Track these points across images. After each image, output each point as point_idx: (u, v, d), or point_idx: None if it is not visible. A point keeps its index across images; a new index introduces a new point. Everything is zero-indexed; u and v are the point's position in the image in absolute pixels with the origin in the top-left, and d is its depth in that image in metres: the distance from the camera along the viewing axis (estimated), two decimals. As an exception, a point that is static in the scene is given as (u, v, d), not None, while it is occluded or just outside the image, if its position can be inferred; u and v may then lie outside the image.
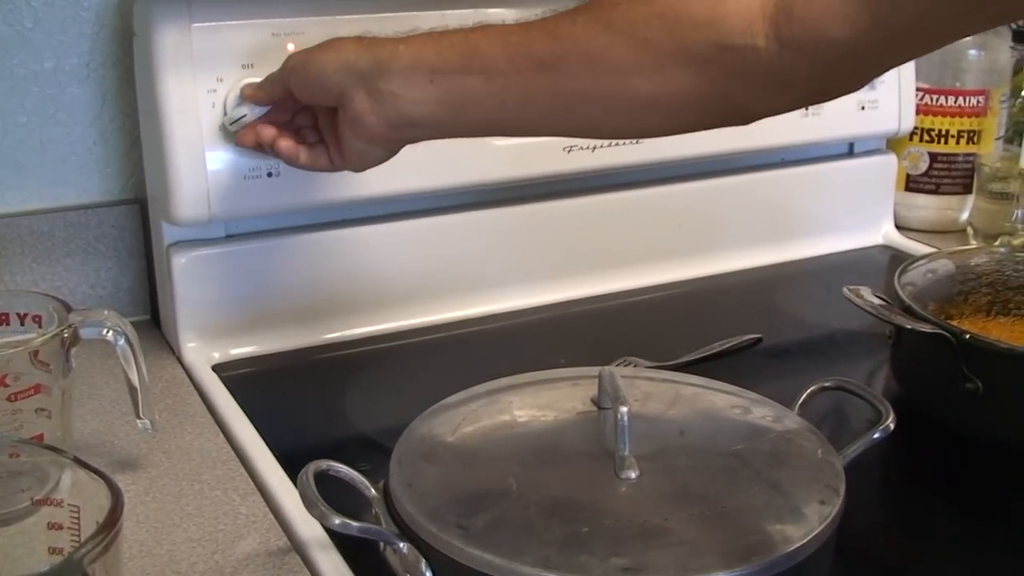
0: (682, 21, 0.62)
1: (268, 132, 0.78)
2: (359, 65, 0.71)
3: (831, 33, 0.58)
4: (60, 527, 0.51)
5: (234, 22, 0.83)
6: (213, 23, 0.82)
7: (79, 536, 0.50)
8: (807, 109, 0.95)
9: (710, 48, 0.62)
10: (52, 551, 0.52)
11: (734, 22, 0.61)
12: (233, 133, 0.82)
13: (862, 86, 0.65)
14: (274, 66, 0.82)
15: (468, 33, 0.70)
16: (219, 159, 0.83)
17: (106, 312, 0.69)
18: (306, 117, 0.79)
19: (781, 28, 0.60)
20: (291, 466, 0.69)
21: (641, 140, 0.93)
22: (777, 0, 0.60)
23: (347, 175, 0.81)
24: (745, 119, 0.66)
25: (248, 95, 0.80)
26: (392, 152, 0.76)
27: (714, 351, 0.88)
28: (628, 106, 0.65)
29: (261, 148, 0.79)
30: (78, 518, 0.51)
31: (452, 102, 0.69)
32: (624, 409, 0.59)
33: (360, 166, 0.76)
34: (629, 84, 0.64)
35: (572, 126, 0.70)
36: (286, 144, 0.77)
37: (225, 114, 0.82)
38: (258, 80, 0.81)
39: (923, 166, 1.20)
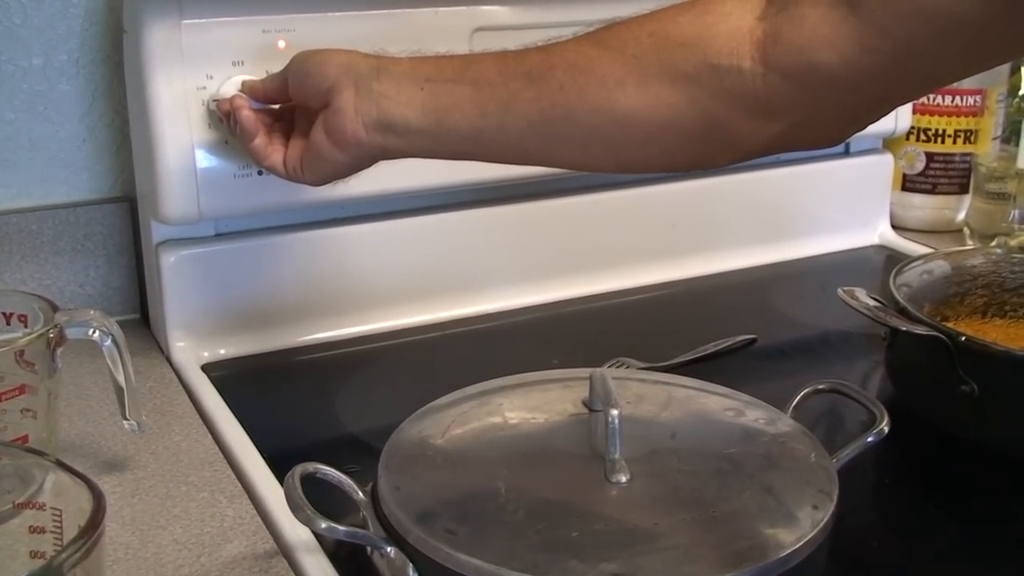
0: (672, 40, 0.62)
1: (240, 100, 0.77)
2: (360, 67, 0.71)
3: (817, 57, 0.58)
4: (42, 530, 0.50)
5: (224, 19, 0.82)
6: (203, 20, 0.82)
7: (62, 540, 0.50)
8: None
9: (695, 67, 0.61)
10: (34, 555, 0.51)
11: (721, 43, 0.60)
12: (223, 127, 0.82)
13: (852, 128, 0.64)
14: (264, 63, 0.82)
15: (471, 54, 0.71)
16: (209, 157, 0.82)
17: (92, 312, 0.68)
18: (284, 125, 0.78)
19: (767, 51, 0.59)
20: (279, 468, 0.69)
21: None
22: (766, 24, 0.59)
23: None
24: (729, 149, 0.65)
25: (247, 87, 0.79)
26: (353, 168, 0.74)
27: (708, 352, 0.88)
28: (610, 124, 0.64)
29: (228, 117, 0.78)
30: (60, 521, 0.50)
31: (436, 109, 0.68)
32: (615, 412, 0.58)
33: (314, 175, 0.75)
34: (612, 98, 0.63)
35: (550, 144, 0.68)
36: (249, 115, 0.76)
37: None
38: (252, 77, 0.80)
39: (919, 166, 1.19)
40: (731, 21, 0.61)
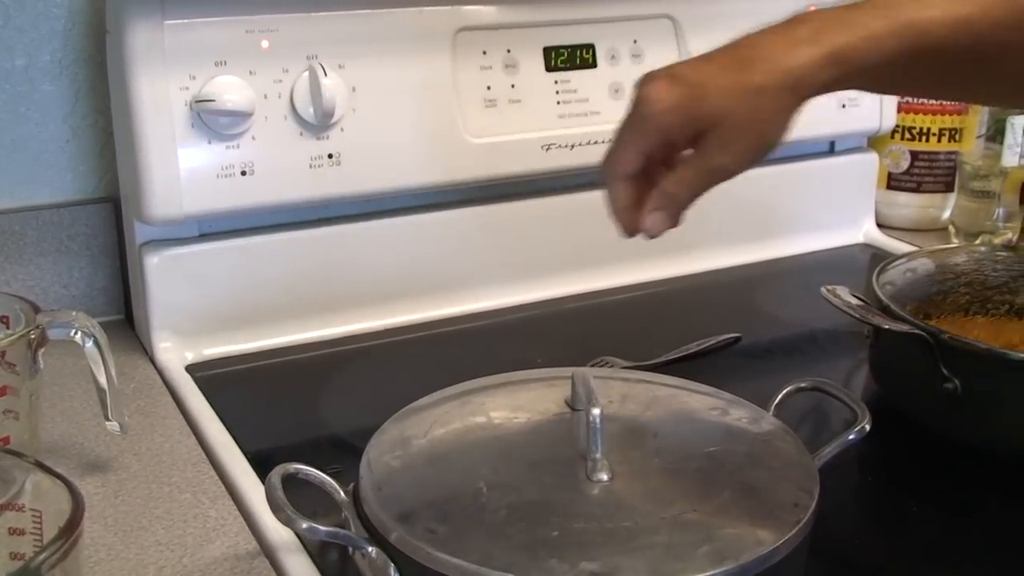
0: None
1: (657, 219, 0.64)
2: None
3: None
4: (22, 532, 0.50)
5: (207, 19, 0.82)
6: (186, 20, 0.82)
7: (41, 541, 0.50)
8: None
9: None
10: (14, 556, 0.51)
11: None
12: (208, 127, 0.81)
13: None
14: (247, 63, 0.81)
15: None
16: (192, 157, 0.82)
17: (74, 313, 0.68)
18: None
19: None
20: (262, 468, 0.69)
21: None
22: None
23: (324, 172, 0.80)
24: None
25: (610, 168, 0.62)
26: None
27: (692, 351, 0.88)
28: None
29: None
30: (40, 523, 0.50)
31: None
32: (596, 411, 0.58)
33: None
34: None
35: None
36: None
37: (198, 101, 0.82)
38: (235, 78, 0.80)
39: (904, 164, 1.20)
40: None
